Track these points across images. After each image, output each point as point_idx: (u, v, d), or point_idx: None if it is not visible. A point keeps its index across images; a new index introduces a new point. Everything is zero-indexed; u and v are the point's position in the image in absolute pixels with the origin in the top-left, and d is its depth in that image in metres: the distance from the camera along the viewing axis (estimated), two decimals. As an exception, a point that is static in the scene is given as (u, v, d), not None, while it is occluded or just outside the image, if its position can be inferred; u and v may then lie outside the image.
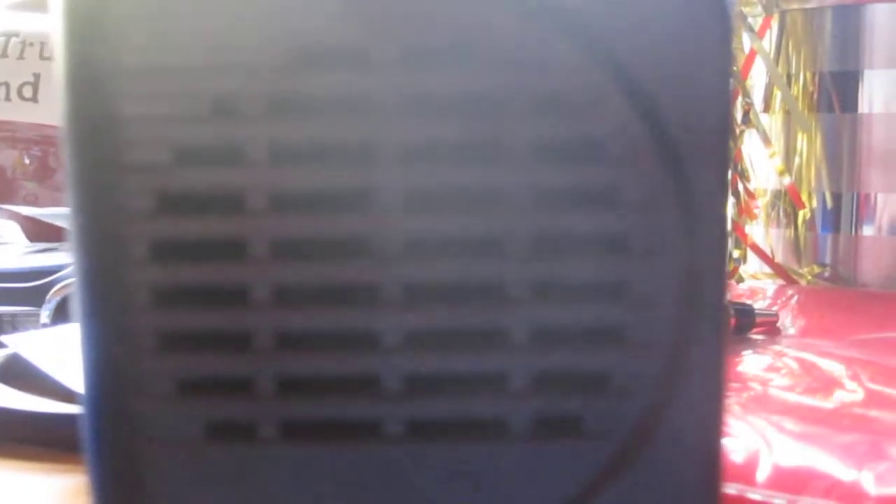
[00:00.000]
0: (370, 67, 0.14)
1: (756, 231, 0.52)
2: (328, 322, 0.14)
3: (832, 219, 0.50)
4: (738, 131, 0.49)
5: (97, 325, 0.14)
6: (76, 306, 0.15)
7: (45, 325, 0.43)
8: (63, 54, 0.14)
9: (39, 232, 0.57)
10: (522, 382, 0.15)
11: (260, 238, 0.14)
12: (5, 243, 0.58)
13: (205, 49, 0.14)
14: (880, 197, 0.49)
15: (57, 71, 0.14)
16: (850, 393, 0.35)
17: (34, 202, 0.66)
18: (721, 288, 0.15)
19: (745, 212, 0.50)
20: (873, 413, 0.33)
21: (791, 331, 0.46)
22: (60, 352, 0.36)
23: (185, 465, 0.15)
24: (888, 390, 0.35)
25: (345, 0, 0.14)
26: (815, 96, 0.50)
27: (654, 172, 0.14)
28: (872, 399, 0.34)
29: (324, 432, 0.15)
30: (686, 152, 0.14)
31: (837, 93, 0.49)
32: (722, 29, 0.14)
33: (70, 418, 0.34)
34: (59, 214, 0.55)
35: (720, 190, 0.15)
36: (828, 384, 0.36)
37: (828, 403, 0.34)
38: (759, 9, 0.50)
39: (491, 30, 0.14)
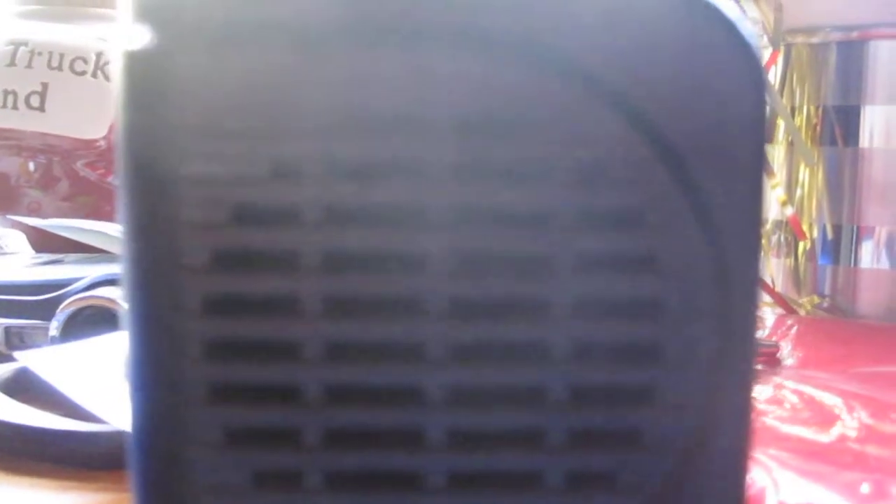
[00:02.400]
0: (424, 135, 0.15)
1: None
2: (376, 377, 0.15)
3: (832, 250, 0.51)
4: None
5: (147, 373, 0.15)
6: (128, 353, 0.15)
7: (53, 339, 0.43)
8: (124, 109, 0.15)
9: (45, 241, 0.57)
10: (559, 439, 0.15)
11: (312, 296, 0.15)
12: (11, 253, 0.58)
13: (265, 112, 0.15)
14: (880, 230, 0.50)
15: (118, 126, 0.15)
16: (849, 429, 0.36)
17: (38, 210, 0.67)
18: (751, 346, 0.16)
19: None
20: (871, 450, 0.34)
21: (790, 361, 0.46)
22: (72, 369, 0.36)
23: (233, 513, 0.15)
24: (886, 426, 0.36)
25: (394, 66, 0.15)
26: (819, 129, 0.51)
27: (692, 240, 0.15)
28: (871, 435, 0.35)
29: (368, 482, 0.15)
30: (722, 221, 0.15)
31: (840, 126, 0.50)
32: (758, 103, 0.15)
33: (82, 436, 0.34)
34: (65, 226, 0.55)
35: (754, 254, 0.15)
36: (827, 419, 0.37)
37: (827, 438, 0.35)
38: (766, 41, 0.51)
39: (536, 101, 0.15)
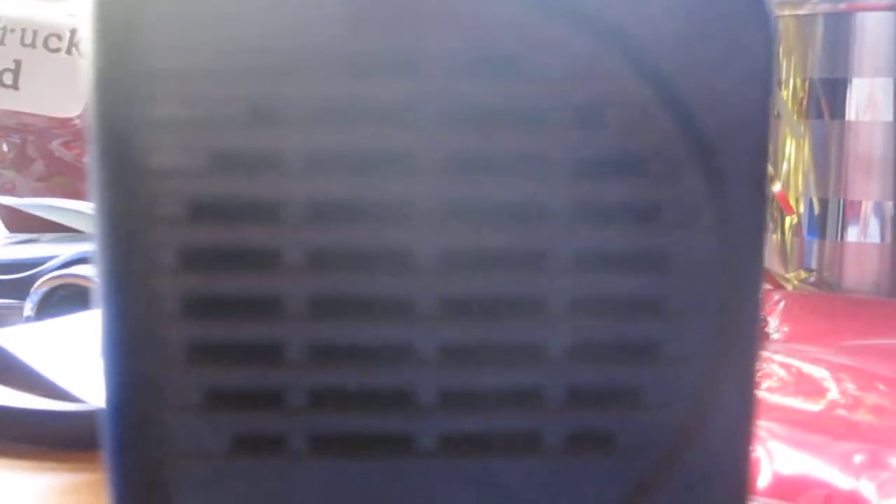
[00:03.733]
0: (414, 76, 0.14)
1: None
2: (362, 334, 0.14)
3: (818, 224, 0.51)
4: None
5: (122, 333, 0.14)
6: (100, 314, 0.14)
7: (28, 319, 0.42)
8: (92, 54, 0.14)
9: (19, 222, 0.56)
10: (557, 397, 0.14)
11: (295, 247, 0.14)
12: (-16, 234, 0.57)
13: (243, 51, 0.14)
14: (866, 204, 0.49)
15: (86, 70, 0.14)
16: (839, 399, 0.35)
17: (12, 191, 0.65)
18: (756, 304, 0.15)
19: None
20: (862, 418, 0.33)
21: (777, 336, 0.46)
22: (48, 347, 0.35)
23: (212, 479, 0.14)
24: (874, 397, 0.36)
25: (390, 7, 0.14)
26: (805, 102, 0.50)
27: (696, 189, 0.14)
28: (859, 405, 0.35)
29: (355, 446, 0.14)
30: (727, 168, 0.14)
31: (826, 99, 0.50)
32: (766, 46, 0.14)
33: (58, 415, 0.33)
34: (39, 205, 0.54)
35: (759, 206, 0.15)
36: (815, 390, 0.37)
37: (817, 408, 0.34)
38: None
39: (534, 40, 0.14)
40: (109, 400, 0.14)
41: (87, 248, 0.47)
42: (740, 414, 0.15)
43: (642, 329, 0.15)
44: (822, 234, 0.50)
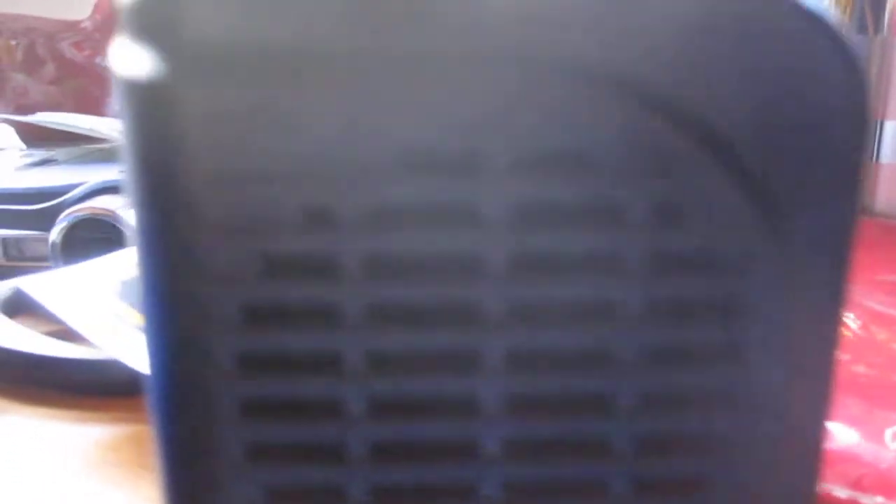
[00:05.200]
0: (479, 174, 0.13)
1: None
2: (425, 433, 0.14)
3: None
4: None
5: (179, 437, 0.14)
6: (153, 414, 0.14)
7: (54, 250, 0.42)
8: (143, 159, 0.13)
9: (34, 133, 0.55)
10: (626, 446, 0.14)
11: (354, 350, 0.13)
12: (0, 149, 0.56)
13: (296, 155, 0.13)
14: (906, 125, 0.48)
15: (129, 176, 0.13)
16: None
17: (24, 95, 0.64)
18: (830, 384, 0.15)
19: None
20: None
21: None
22: (72, 295, 0.35)
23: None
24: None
25: (450, 103, 0.13)
26: (848, 15, 0.48)
27: (775, 283, 0.14)
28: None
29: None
30: (809, 264, 0.14)
31: (872, 13, 0.47)
32: (860, 139, 0.13)
33: (96, 364, 0.33)
34: (54, 120, 0.53)
35: (838, 298, 0.14)
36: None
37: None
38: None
39: (607, 133, 0.13)
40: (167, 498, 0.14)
41: (108, 173, 0.47)
42: (813, 447, 0.15)
43: (712, 420, 0.14)
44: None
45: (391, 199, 0.13)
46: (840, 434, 0.28)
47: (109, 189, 0.45)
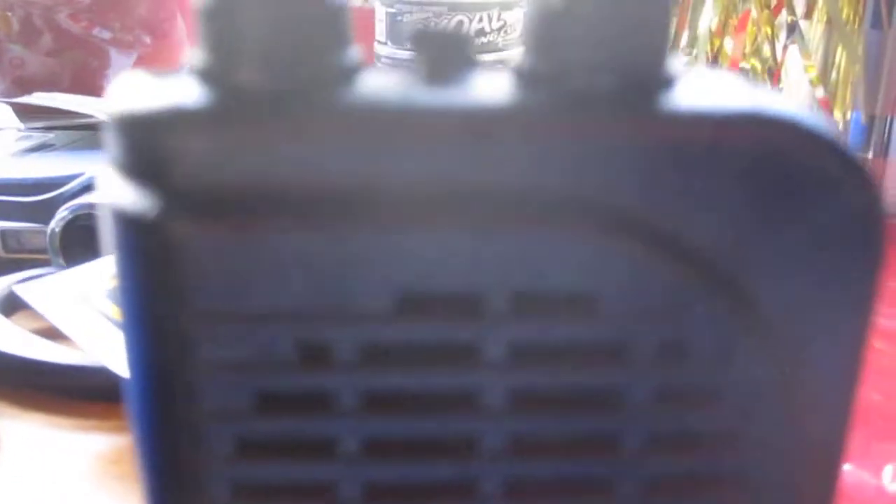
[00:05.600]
0: (478, 315, 0.13)
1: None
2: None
3: (862, 140, 0.48)
4: (783, 47, 0.46)
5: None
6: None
7: (52, 241, 0.42)
8: (139, 298, 0.13)
9: (31, 110, 0.54)
10: None
11: (349, 483, 0.13)
12: (-2, 129, 0.55)
13: (289, 296, 0.12)
14: (917, 122, 0.47)
15: (123, 311, 0.13)
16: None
17: (21, 66, 0.63)
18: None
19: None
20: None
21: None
22: (70, 304, 0.35)
23: None
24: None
25: (450, 242, 0.12)
26: (863, 8, 0.47)
27: (775, 418, 0.13)
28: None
29: None
30: (809, 401, 0.13)
31: (888, 7, 0.46)
32: (870, 290, 0.13)
33: (90, 369, 0.33)
34: (50, 103, 0.52)
35: (844, 422, 0.14)
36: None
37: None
38: None
39: (612, 275, 0.13)
40: None
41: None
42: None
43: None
44: (864, 150, 0.48)
45: (388, 339, 0.13)
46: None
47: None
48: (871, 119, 0.48)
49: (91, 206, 0.42)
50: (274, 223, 0.12)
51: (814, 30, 0.49)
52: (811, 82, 0.48)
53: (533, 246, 0.12)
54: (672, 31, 0.47)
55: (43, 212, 0.43)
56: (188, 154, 0.12)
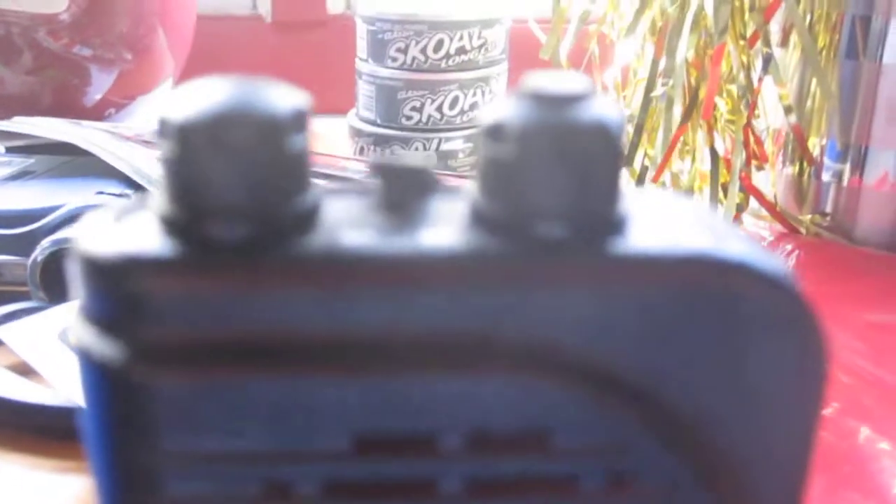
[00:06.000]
0: (433, 453, 0.13)
1: (762, 176, 0.51)
2: None
3: (837, 168, 0.49)
4: (758, 78, 0.46)
5: None
6: None
7: (33, 273, 0.42)
8: (99, 437, 0.13)
9: (11, 136, 0.54)
10: None
11: None
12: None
13: (253, 436, 0.13)
14: (888, 153, 0.48)
15: (91, 451, 0.13)
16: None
17: (1, 85, 0.62)
18: None
19: (753, 158, 0.48)
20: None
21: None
22: (52, 347, 0.35)
23: None
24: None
25: (405, 386, 0.13)
26: (839, 39, 0.47)
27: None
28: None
29: None
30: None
31: (863, 39, 0.47)
32: (813, 425, 0.13)
33: (71, 411, 0.34)
34: (31, 131, 0.52)
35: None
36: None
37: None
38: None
39: (560, 412, 0.13)
40: None
41: (86, 192, 0.46)
42: None
43: None
44: (839, 178, 0.49)
45: (347, 477, 0.13)
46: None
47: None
48: (846, 147, 0.48)
49: (70, 242, 0.42)
50: (236, 371, 0.13)
51: (789, 57, 0.49)
52: (784, 107, 0.48)
53: (485, 388, 0.13)
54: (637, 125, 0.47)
55: (24, 244, 0.44)
56: (153, 303, 0.12)
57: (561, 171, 0.13)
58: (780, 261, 0.13)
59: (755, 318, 0.13)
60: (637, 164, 0.51)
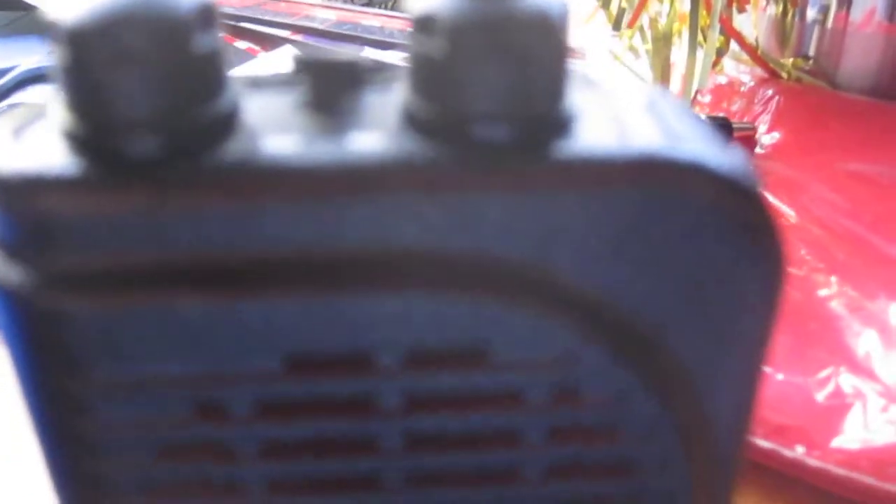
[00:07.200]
0: (370, 372, 0.13)
1: (744, 18, 0.49)
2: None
3: (823, 2, 0.47)
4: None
5: None
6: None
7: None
8: (22, 368, 0.12)
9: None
10: None
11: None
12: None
13: (180, 359, 0.12)
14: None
15: (18, 379, 0.12)
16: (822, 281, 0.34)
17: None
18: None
19: (733, 2, 0.46)
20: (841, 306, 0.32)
21: (767, 140, 0.45)
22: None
23: None
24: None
25: (338, 303, 0.12)
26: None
27: (682, 475, 0.14)
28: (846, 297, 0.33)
29: None
30: (707, 429, 0.14)
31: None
32: (767, 325, 0.13)
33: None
34: None
35: (740, 454, 0.14)
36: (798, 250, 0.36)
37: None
38: None
39: (501, 326, 0.12)
40: None
41: (39, 51, 0.44)
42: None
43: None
44: (825, 17, 0.47)
45: (282, 395, 0.13)
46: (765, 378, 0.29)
47: (40, 77, 0.42)
48: (833, -14, 0.46)
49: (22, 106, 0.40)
50: (154, 295, 0.12)
51: None
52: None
53: (421, 304, 0.12)
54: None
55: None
56: (60, 226, 0.12)
57: (498, 68, 0.12)
58: (738, 159, 0.12)
59: (709, 222, 0.12)
60: (613, 8, 0.49)
